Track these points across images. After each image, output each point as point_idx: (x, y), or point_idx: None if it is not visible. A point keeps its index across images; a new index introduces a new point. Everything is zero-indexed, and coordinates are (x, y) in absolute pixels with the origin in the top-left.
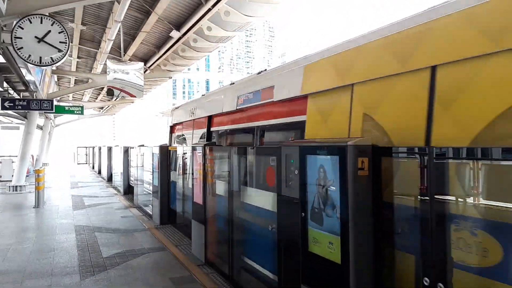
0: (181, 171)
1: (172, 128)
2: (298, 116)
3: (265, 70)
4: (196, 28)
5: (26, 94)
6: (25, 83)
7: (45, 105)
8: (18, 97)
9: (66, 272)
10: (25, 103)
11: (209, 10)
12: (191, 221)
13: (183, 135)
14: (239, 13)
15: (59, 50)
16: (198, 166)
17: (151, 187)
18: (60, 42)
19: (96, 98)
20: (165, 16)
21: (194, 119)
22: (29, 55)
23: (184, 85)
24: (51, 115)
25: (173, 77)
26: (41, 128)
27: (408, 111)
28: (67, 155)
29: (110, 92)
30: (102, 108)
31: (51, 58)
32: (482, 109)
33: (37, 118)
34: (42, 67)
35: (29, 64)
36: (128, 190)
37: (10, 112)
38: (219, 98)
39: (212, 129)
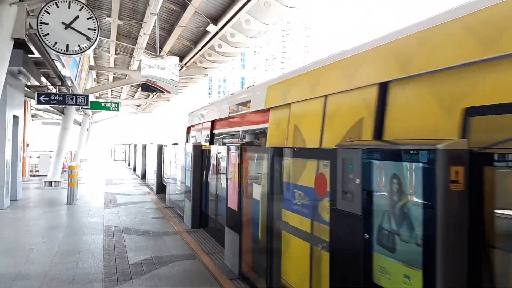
0: (214, 172)
1: (188, 129)
2: (265, 124)
3: (253, 85)
4: (234, 21)
5: (64, 89)
6: (61, 78)
7: (80, 100)
8: (54, 91)
9: (88, 279)
10: (60, 97)
11: (248, 1)
12: (225, 227)
13: (194, 136)
14: (280, 4)
15: (88, 38)
16: (233, 167)
17: (183, 187)
18: (88, 29)
19: (133, 96)
20: (202, 9)
21: (202, 122)
22: (55, 42)
23: (220, 85)
24: (89, 112)
25: (209, 74)
26: (79, 124)
27: (313, 123)
28: (105, 151)
29: (144, 87)
30: (139, 106)
31: (79, 46)
32: (341, 124)
33: (74, 114)
34: (70, 56)
35: (62, 57)
36: (161, 189)
37: (48, 107)
38: (219, 105)
39: (214, 131)
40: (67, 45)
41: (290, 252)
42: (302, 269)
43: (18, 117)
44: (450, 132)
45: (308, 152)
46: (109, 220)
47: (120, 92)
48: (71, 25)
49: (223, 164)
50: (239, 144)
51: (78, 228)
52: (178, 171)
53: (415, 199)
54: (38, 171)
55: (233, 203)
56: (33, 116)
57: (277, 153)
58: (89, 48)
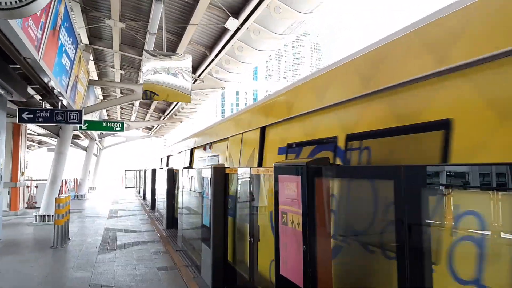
0: (246, 208)
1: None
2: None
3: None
4: (261, 10)
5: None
6: (47, 89)
7: (72, 117)
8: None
9: None
10: (47, 114)
11: None
12: None
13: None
14: None
15: None
16: (292, 205)
17: (200, 226)
18: None
19: (144, 118)
20: None
21: (167, 155)
22: None
23: (232, 104)
24: (95, 136)
25: (226, 87)
26: (85, 149)
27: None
28: (116, 178)
29: (147, 96)
30: (150, 129)
31: None
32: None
33: (70, 136)
34: (4, 14)
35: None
36: (172, 223)
37: (38, 130)
38: (172, 147)
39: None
40: None
41: None
42: None
43: None
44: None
45: None
46: (99, 275)
47: (130, 115)
48: None
49: (266, 196)
50: (304, 163)
51: None
52: (193, 203)
53: None
54: (35, 202)
55: (291, 272)
56: (39, 143)
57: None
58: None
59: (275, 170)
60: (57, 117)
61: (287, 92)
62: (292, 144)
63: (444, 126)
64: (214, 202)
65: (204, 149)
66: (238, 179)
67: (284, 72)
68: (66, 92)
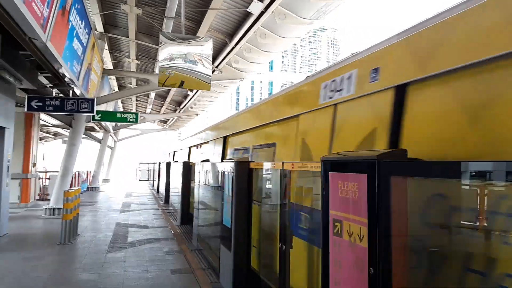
0: (273, 209)
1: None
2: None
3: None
4: None
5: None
6: (58, 77)
7: (84, 106)
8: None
9: None
10: (57, 102)
11: None
12: None
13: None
14: None
15: None
16: (350, 212)
17: (219, 226)
18: None
19: (159, 111)
20: None
21: (174, 151)
22: None
23: (247, 98)
24: (110, 128)
25: (245, 78)
26: (99, 141)
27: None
28: (131, 171)
29: (163, 82)
30: (165, 122)
31: None
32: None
33: (83, 127)
34: None
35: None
36: (187, 219)
37: (52, 121)
38: (179, 143)
39: (174, 155)
40: None
41: None
42: None
43: (3, 128)
44: None
45: None
46: (107, 278)
47: (145, 107)
48: None
49: (307, 199)
50: (374, 156)
51: None
52: (211, 199)
53: None
54: (47, 194)
55: None
56: (55, 134)
57: None
58: None
59: (323, 165)
60: (68, 106)
61: (232, 118)
62: (236, 149)
63: (274, 145)
64: (237, 200)
65: (197, 148)
66: (264, 175)
67: (300, 67)
68: (78, 80)
